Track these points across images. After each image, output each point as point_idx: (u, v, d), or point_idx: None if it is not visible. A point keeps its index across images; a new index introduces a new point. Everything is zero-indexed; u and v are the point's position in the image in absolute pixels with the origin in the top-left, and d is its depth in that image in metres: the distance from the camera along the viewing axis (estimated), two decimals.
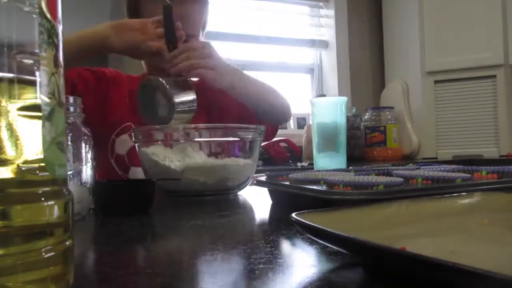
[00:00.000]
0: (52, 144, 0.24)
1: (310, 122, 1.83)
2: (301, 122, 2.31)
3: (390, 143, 2.14)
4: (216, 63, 0.93)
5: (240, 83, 0.98)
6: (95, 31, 0.93)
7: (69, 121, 0.59)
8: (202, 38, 1.09)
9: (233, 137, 0.81)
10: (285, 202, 0.65)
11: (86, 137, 0.60)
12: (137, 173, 1.00)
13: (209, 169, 0.75)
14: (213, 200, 0.75)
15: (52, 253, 0.24)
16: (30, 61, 0.23)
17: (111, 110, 1.06)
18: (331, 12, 2.49)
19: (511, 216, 0.42)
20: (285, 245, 0.41)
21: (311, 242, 0.39)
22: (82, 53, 0.92)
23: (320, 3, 2.51)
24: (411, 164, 0.80)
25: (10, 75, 0.22)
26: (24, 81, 0.23)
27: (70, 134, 0.58)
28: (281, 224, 0.49)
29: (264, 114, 1.07)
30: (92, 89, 1.04)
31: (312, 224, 0.32)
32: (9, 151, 0.22)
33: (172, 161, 0.76)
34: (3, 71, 0.22)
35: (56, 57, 0.25)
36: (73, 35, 0.90)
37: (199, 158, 0.77)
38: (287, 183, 0.62)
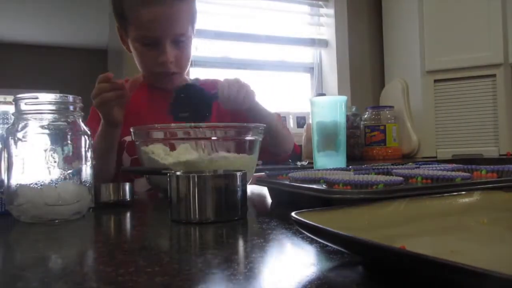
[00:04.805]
0: None
1: (310, 121, 1.83)
2: (301, 121, 2.31)
3: (389, 142, 2.14)
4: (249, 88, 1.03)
5: (259, 105, 1.08)
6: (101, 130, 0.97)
7: (69, 120, 0.58)
8: (191, 34, 1.08)
9: (233, 136, 0.81)
10: (285, 201, 0.65)
11: (86, 136, 0.60)
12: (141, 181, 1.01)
13: (209, 168, 0.75)
14: None
15: None
16: None
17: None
18: (331, 11, 2.49)
19: (510, 215, 0.42)
20: (285, 244, 0.41)
21: (311, 241, 0.39)
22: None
23: (320, 2, 2.50)
24: (410, 163, 0.80)
25: None
26: None
27: (70, 133, 0.58)
28: (281, 223, 0.49)
29: (274, 137, 1.12)
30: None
31: (312, 223, 0.32)
32: None
33: (172, 160, 0.76)
34: None
35: None
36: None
37: (199, 157, 0.77)
38: (287, 182, 0.62)
